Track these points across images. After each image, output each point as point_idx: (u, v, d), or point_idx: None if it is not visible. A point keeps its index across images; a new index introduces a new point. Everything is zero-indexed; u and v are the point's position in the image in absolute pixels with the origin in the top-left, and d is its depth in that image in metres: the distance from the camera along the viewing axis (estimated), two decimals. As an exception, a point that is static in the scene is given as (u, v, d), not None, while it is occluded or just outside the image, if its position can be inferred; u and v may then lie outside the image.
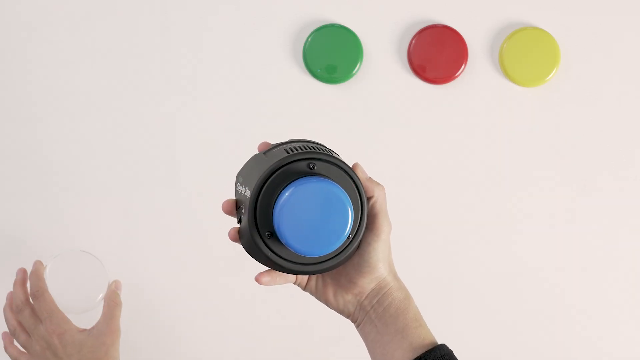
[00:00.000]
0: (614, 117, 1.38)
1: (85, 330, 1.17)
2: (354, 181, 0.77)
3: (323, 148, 0.79)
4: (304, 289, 0.85)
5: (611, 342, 1.39)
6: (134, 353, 1.39)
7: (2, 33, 1.38)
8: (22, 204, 1.38)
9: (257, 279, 0.82)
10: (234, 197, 0.82)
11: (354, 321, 0.82)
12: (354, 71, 1.38)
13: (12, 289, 1.22)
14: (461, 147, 1.38)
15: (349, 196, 0.76)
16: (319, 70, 1.39)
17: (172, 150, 1.38)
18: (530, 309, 1.39)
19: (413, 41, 1.37)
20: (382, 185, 0.79)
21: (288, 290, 1.40)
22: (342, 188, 0.75)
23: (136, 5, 1.38)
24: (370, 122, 1.38)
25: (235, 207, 0.81)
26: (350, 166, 0.78)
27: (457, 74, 1.37)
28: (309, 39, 1.39)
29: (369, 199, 0.78)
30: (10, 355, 1.18)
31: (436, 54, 1.37)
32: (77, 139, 1.38)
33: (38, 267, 1.21)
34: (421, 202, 1.39)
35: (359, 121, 1.38)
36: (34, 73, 1.38)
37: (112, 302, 1.20)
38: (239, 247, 0.84)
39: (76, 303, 1.29)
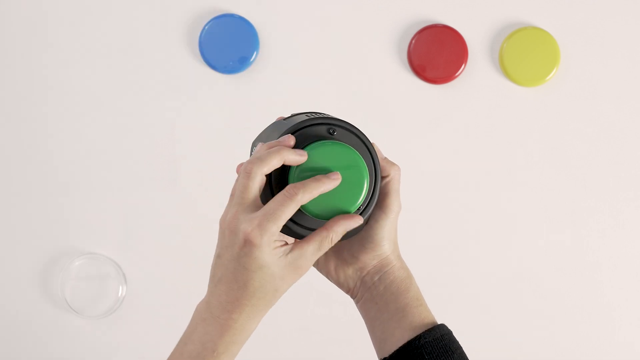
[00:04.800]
0: (614, 117, 1.38)
1: (281, 246, 0.75)
2: (371, 155, 0.77)
3: (344, 121, 0.80)
4: None
5: (611, 342, 1.39)
6: (134, 352, 1.39)
7: (2, 33, 1.38)
8: (22, 203, 1.38)
9: None
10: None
11: (353, 297, 0.82)
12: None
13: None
14: (461, 147, 1.38)
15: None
16: None
17: (172, 150, 1.38)
18: (529, 309, 1.39)
19: (413, 41, 1.38)
20: (397, 166, 0.80)
21: (289, 291, 1.40)
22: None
23: (136, 5, 1.38)
24: (370, 122, 1.38)
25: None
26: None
27: (457, 74, 1.38)
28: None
29: (383, 177, 0.78)
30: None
31: (436, 54, 1.37)
32: (78, 139, 1.38)
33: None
34: (421, 202, 1.39)
35: (358, 121, 1.38)
36: (34, 73, 1.38)
37: (324, 230, 0.73)
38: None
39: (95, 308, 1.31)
